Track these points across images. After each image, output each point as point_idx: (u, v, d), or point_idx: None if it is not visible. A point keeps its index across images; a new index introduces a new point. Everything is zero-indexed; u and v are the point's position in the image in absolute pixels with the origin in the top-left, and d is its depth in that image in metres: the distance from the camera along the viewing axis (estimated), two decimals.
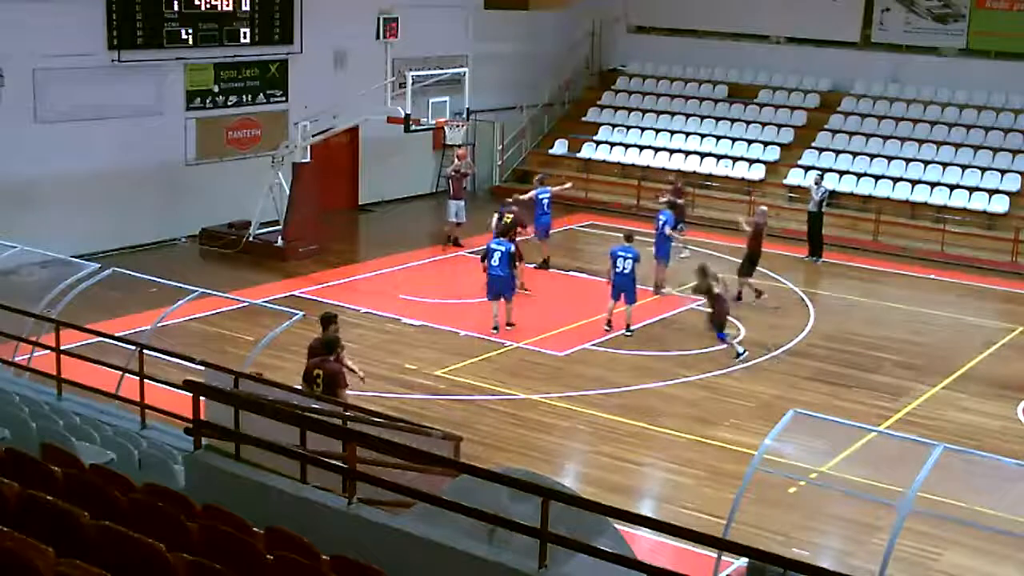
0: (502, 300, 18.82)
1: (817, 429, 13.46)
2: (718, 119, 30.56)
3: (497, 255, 18.66)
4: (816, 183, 24.95)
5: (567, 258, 24.04)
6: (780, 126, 29.90)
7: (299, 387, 12.73)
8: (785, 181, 28.31)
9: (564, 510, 7.15)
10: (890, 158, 27.93)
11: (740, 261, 21.25)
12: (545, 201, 23.16)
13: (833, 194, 26.13)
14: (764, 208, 22.67)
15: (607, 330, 19.00)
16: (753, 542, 7.62)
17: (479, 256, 19.66)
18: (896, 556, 8.82)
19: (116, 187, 22.81)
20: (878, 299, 21.95)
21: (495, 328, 18.76)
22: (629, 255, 18.85)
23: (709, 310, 18.37)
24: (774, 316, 20.69)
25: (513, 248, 19.02)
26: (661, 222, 21.60)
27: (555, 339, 18.73)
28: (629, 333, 18.94)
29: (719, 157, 29.39)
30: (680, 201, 24.13)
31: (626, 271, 18.82)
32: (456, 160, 25.11)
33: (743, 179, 28.73)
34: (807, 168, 28.00)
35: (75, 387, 12.52)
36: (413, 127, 22.45)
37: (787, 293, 22.17)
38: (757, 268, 21.26)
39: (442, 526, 7.33)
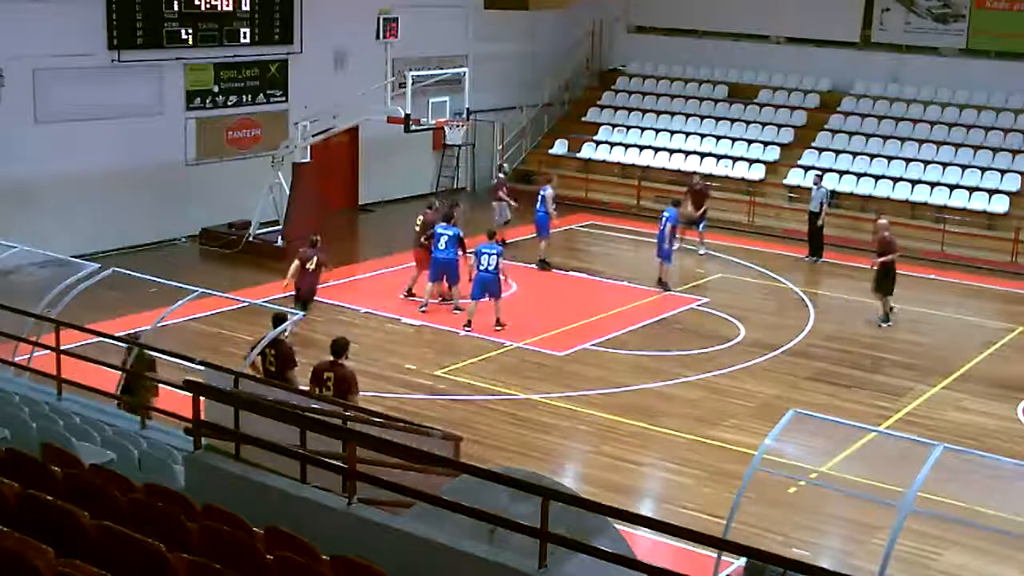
0: (444, 283, 19.81)
1: (817, 429, 13.45)
2: (718, 119, 30.55)
3: (444, 239, 19.44)
4: (815, 184, 24.94)
5: (567, 258, 24.05)
6: (780, 126, 29.89)
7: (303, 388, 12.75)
8: (785, 181, 28.30)
9: (564, 510, 7.15)
10: (890, 158, 27.92)
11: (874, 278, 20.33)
12: (539, 198, 23.25)
13: (833, 194, 26.11)
14: (884, 221, 21.30)
15: (468, 328, 18.87)
16: (753, 542, 7.61)
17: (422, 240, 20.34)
18: (896, 556, 8.80)
19: (116, 187, 22.80)
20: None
21: (424, 307, 19.73)
22: (493, 252, 18.79)
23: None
24: (775, 316, 20.70)
25: (461, 233, 19.81)
26: (664, 219, 21.65)
27: (555, 339, 18.73)
28: (499, 328, 18.89)
29: (719, 157, 29.38)
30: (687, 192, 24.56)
31: (491, 268, 18.70)
32: (501, 175, 25.61)
33: (743, 179, 28.72)
34: (807, 168, 27.99)
35: (75, 387, 12.51)
36: (413, 127, 22.46)
37: (787, 293, 22.18)
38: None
39: (442, 526, 7.32)
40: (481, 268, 18.73)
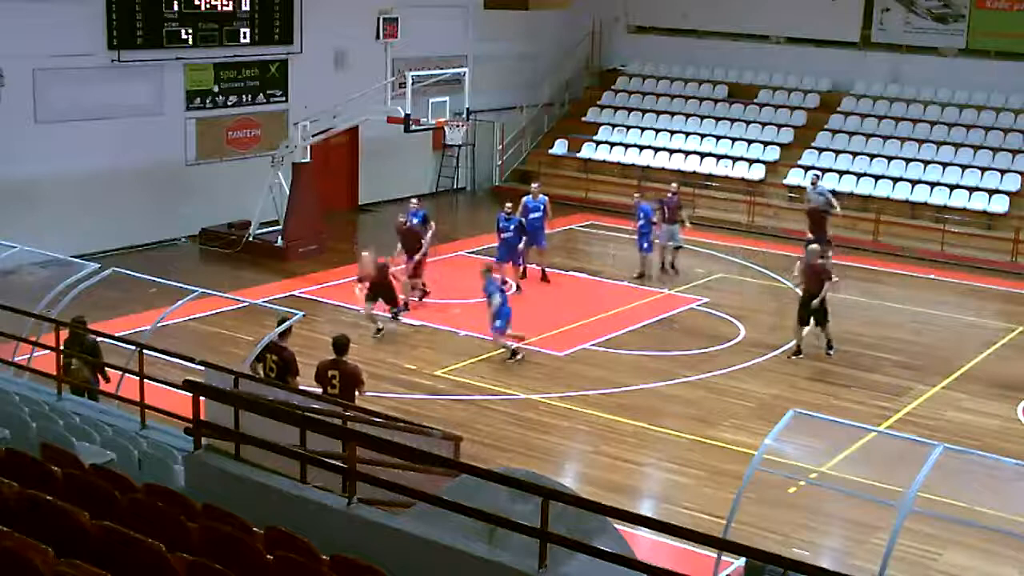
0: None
1: (817, 429, 13.45)
2: (718, 119, 30.55)
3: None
4: (813, 184, 24.90)
5: (567, 258, 24.04)
6: (780, 126, 29.89)
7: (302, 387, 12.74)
8: (785, 181, 28.31)
9: (564, 510, 7.15)
10: (890, 158, 27.93)
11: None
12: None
13: (833, 194, 26.03)
14: (815, 247, 19.66)
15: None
16: (753, 542, 7.62)
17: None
18: (896, 556, 8.81)
19: (116, 187, 22.81)
20: (878, 299, 21.95)
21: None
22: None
23: None
24: (774, 316, 20.69)
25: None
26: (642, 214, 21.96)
27: (555, 339, 18.73)
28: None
29: (719, 157, 29.38)
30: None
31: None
32: (671, 195, 23.54)
33: (743, 179, 28.73)
34: (807, 168, 27.99)
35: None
36: (413, 127, 22.46)
37: (787, 293, 22.16)
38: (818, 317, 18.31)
39: (442, 526, 7.32)
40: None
